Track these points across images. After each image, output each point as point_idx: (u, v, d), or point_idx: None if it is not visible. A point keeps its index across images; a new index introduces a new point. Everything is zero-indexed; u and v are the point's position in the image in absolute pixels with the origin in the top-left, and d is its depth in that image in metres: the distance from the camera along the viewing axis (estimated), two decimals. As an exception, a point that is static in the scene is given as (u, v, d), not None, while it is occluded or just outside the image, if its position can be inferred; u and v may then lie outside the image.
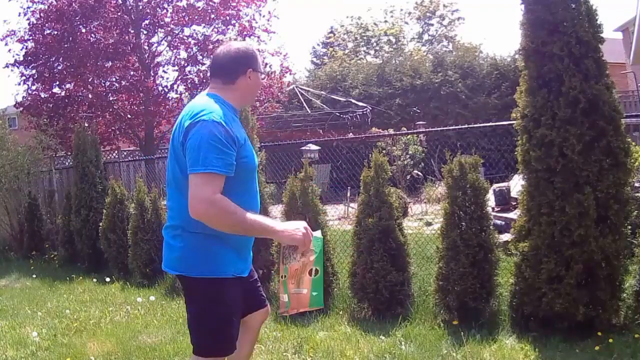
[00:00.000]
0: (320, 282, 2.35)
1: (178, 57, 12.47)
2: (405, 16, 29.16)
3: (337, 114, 15.02)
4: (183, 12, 11.88)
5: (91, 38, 11.26)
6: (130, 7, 11.83)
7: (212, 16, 12.03)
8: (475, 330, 3.71)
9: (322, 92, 15.92)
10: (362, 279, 4.23)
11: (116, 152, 13.06)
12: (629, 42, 14.96)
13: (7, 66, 11.81)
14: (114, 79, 12.06)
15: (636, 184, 3.76)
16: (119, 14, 11.47)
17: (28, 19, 11.57)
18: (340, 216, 9.10)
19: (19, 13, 12.05)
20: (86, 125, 8.45)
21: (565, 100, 3.31)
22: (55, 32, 11.26)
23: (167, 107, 12.20)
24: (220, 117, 2.05)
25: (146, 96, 11.72)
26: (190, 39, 12.35)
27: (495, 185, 6.69)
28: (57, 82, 11.77)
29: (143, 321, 4.74)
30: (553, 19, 3.39)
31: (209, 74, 2.41)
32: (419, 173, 10.89)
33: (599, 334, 3.31)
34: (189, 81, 12.40)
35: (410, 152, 10.86)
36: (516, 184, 5.94)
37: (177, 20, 11.94)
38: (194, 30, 12.44)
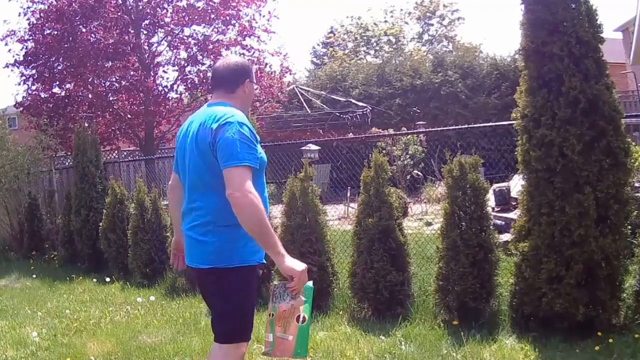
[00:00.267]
0: (307, 331, 2.32)
1: (178, 57, 12.47)
2: (405, 16, 29.18)
3: (337, 114, 15.02)
4: (183, 12, 11.87)
5: (91, 38, 11.26)
6: (130, 7, 11.82)
7: (212, 16, 12.03)
8: (475, 330, 3.71)
9: (322, 92, 15.92)
10: (362, 279, 4.23)
11: (116, 152, 13.06)
12: (629, 42, 14.96)
13: (7, 66, 11.81)
14: (114, 79, 12.05)
15: (636, 184, 3.76)
16: (119, 14, 11.47)
17: (28, 19, 11.57)
18: (340, 216, 9.10)
19: (19, 13, 12.06)
20: (86, 125, 8.45)
21: (565, 100, 3.31)
22: (55, 32, 11.26)
23: (167, 107, 12.20)
24: (243, 119, 2.34)
25: (146, 96, 11.72)
26: (190, 39, 12.35)
27: (495, 185, 6.69)
28: (57, 82, 11.77)
29: (143, 321, 4.74)
30: (553, 19, 3.39)
31: (211, 86, 2.64)
32: (419, 173, 10.89)
33: (599, 334, 3.31)
34: (189, 81, 12.40)
35: (410, 152, 10.86)
36: (516, 184, 5.94)
37: (177, 20, 11.93)
38: (194, 30, 12.45)
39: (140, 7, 11.84)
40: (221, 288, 2.34)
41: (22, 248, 8.98)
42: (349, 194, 9.27)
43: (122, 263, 6.63)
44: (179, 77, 12.44)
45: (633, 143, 3.47)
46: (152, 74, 12.31)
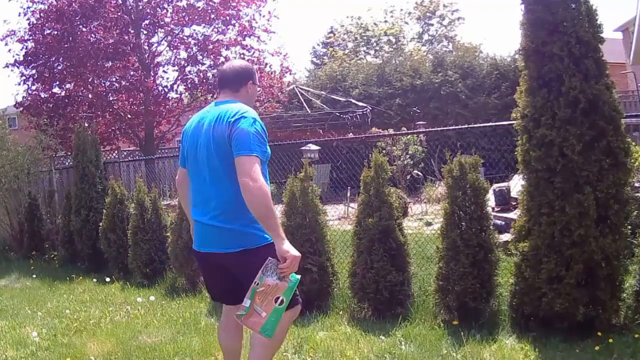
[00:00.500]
0: (280, 315, 2.45)
1: (178, 57, 12.48)
2: (405, 16, 29.17)
3: (337, 114, 15.01)
4: (183, 12, 11.87)
5: (91, 38, 11.26)
6: (130, 7, 11.82)
7: (212, 16, 12.03)
8: (475, 330, 3.71)
9: (322, 92, 15.91)
10: (362, 279, 4.23)
11: (116, 152, 13.06)
12: (629, 42, 14.96)
13: (7, 66, 11.81)
14: (114, 79, 12.05)
15: (636, 184, 3.76)
16: (119, 14, 11.47)
17: (28, 19, 11.57)
18: (340, 216, 9.10)
19: (19, 13, 12.07)
20: (86, 125, 8.44)
21: (565, 100, 3.31)
22: (55, 32, 11.26)
23: (167, 107, 12.20)
24: (256, 116, 2.59)
25: (146, 96, 11.72)
26: (190, 39, 12.35)
27: (495, 185, 6.69)
28: (57, 82, 11.77)
29: (143, 321, 4.74)
30: (553, 19, 3.39)
31: (217, 86, 2.88)
32: (419, 173, 10.89)
33: (599, 334, 3.31)
34: (189, 81, 12.39)
35: (410, 152, 10.85)
36: (516, 184, 5.94)
37: (177, 20, 11.93)
38: (194, 30, 12.45)
39: (140, 7, 11.84)
40: (254, 265, 2.51)
41: (22, 248, 8.98)
42: (349, 194, 9.27)
43: (122, 263, 6.62)
44: (179, 77, 12.43)
45: (633, 143, 3.46)
46: (152, 74, 12.31)
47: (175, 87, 12.52)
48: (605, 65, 3.41)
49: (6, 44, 13.73)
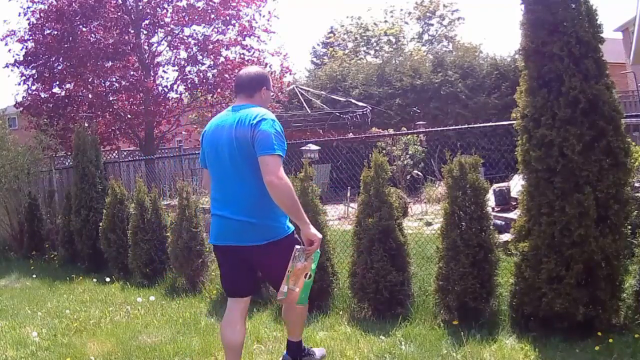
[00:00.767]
0: (309, 286, 2.98)
1: (178, 57, 12.48)
2: (405, 16, 29.20)
3: (337, 114, 15.01)
4: (183, 12, 11.88)
5: (91, 38, 11.26)
6: (130, 7, 11.82)
7: (212, 16, 12.04)
8: (475, 330, 3.70)
9: (322, 92, 15.91)
10: (362, 279, 4.23)
11: (116, 152, 13.07)
12: (629, 42, 14.97)
13: (7, 66, 11.82)
14: (114, 79, 12.06)
15: (636, 184, 3.76)
16: (119, 14, 11.48)
17: (28, 19, 11.58)
18: (340, 216, 9.10)
19: (19, 13, 12.10)
20: (86, 125, 8.45)
21: (565, 100, 3.31)
22: (55, 32, 11.26)
23: (167, 107, 12.21)
24: (274, 117, 2.84)
25: (146, 96, 11.72)
26: (190, 39, 12.35)
27: (495, 185, 6.69)
28: (57, 82, 11.78)
29: (143, 321, 4.74)
30: (553, 19, 3.39)
31: (234, 91, 3.14)
32: (419, 173, 10.89)
33: (599, 334, 3.31)
34: (189, 81, 12.40)
35: (410, 152, 10.86)
36: (516, 184, 5.94)
37: (177, 20, 11.94)
38: (194, 30, 12.46)
39: (140, 7, 11.84)
40: (278, 255, 2.85)
41: (22, 248, 8.98)
42: (349, 194, 9.27)
43: (122, 263, 6.62)
44: (179, 77, 12.44)
45: (633, 143, 3.46)
46: (152, 74, 12.31)
47: (175, 87, 12.53)
48: (605, 65, 3.40)
49: (6, 44, 13.76)
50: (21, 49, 11.73)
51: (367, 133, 11.75)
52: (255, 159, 2.73)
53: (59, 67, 11.70)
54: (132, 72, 11.80)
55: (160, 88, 12.29)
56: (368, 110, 14.39)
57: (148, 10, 11.79)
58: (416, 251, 5.23)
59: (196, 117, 15.47)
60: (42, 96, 11.78)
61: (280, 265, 2.86)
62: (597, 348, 3.19)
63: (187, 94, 13.19)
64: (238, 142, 2.80)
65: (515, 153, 3.60)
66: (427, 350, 3.52)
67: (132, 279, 6.38)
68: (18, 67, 11.75)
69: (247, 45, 12.63)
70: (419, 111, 14.91)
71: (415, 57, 18.74)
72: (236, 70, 12.15)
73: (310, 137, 12.95)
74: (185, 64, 12.35)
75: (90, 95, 11.76)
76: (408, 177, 10.68)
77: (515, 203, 5.71)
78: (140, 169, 11.89)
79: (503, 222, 5.66)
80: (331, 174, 11.57)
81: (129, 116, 12.02)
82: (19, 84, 11.90)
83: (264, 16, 12.72)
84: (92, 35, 11.36)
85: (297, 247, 2.87)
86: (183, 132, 15.97)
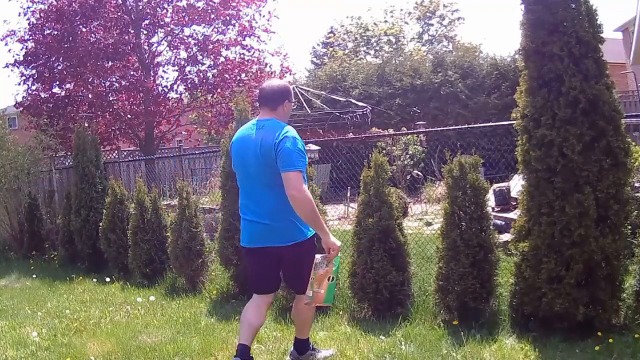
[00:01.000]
0: (333, 287, 3.29)
1: (178, 57, 12.49)
2: (405, 16, 29.18)
3: (337, 114, 15.00)
4: (183, 12, 11.88)
5: (91, 38, 11.26)
6: (130, 7, 11.83)
7: (212, 16, 12.04)
8: (475, 330, 3.70)
9: (322, 92, 15.90)
10: (362, 279, 4.23)
11: (116, 152, 13.07)
12: (629, 42, 14.97)
13: (7, 66, 11.84)
14: (114, 79, 12.07)
15: (636, 184, 3.76)
16: (119, 14, 11.48)
17: (28, 19, 11.58)
18: (340, 216, 9.09)
19: (19, 13, 12.10)
20: (86, 125, 8.45)
21: (565, 100, 3.31)
22: (55, 32, 11.27)
23: (167, 107, 12.21)
24: (296, 134, 3.09)
25: (146, 96, 11.72)
26: (190, 39, 12.36)
27: (495, 185, 6.69)
28: (57, 82, 11.78)
29: (143, 321, 4.74)
30: (553, 19, 3.39)
31: (258, 104, 3.33)
32: (419, 173, 10.88)
33: (599, 334, 3.31)
34: (189, 81, 12.40)
35: (410, 152, 10.85)
36: (516, 184, 5.93)
37: (177, 20, 11.94)
38: (194, 30, 12.47)
39: (140, 7, 11.84)
40: (305, 253, 3.17)
41: (22, 248, 8.98)
42: (349, 194, 9.27)
43: (122, 263, 6.62)
44: (179, 77, 12.44)
45: (633, 143, 3.46)
46: (152, 74, 12.32)
47: (175, 87, 12.54)
48: (605, 65, 3.40)
49: (6, 44, 13.77)
50: (21, 49, 11.75)
51: (367, 133, 11.75)
52: (278, 172, 2.99)
53: (59, 67, 11.71)
54: (132, 72, 11.81)
55: (160, 88, 12.30)
56: (368, 110, 14.38)
57: (148, 10, 11.79)
58: (416, 251, 5.23)
59: (196, 117, 15.47)
60: (42, 96, 11.79)
61: (304, 265, 3.16)
62: (597, 348, 3.19)
63: (187, 94, 13.20)
64: (264, 158, 3.05)
65: (515, 153, 3.60)
66: (427, 350, 3.52)
67: (132, 279, 6.38)
68: (18, 67, 11.76)
69: (247, 45, 12.64)
70: (419, 111, 14.90)
71: (415, 57, 18.73)
72: (236, 70, 12.18)
73: (310, 137, 12.94)
74: (185, 64, 12.36)
75: (90, 95, 11.76)
76: (408, 177, 10.67)
77: (515, 203, 5.71)
78: (140, 169, 11.90)
79: (503, 222, 5.66)
80: (331, 174, 11.57)
81: (129, 116, 12.03)
82: (19, 84, 11.93)
83: (264, 16, 12.74)
84: (92, 35, 11.36)
85: (318, 255, 3.15)
86: (183, 132, 15.98)
